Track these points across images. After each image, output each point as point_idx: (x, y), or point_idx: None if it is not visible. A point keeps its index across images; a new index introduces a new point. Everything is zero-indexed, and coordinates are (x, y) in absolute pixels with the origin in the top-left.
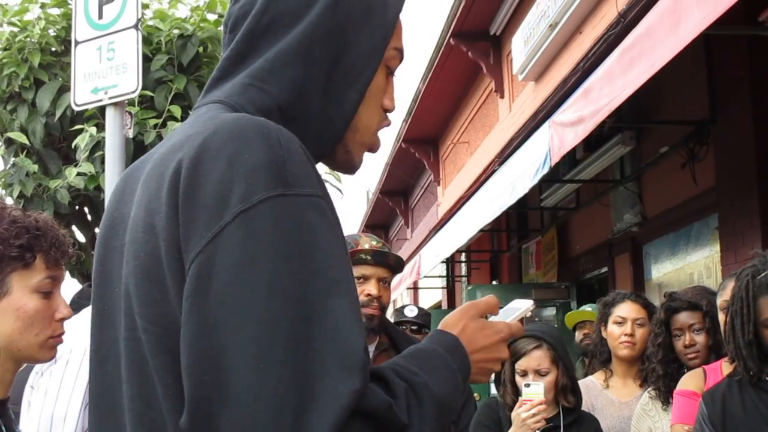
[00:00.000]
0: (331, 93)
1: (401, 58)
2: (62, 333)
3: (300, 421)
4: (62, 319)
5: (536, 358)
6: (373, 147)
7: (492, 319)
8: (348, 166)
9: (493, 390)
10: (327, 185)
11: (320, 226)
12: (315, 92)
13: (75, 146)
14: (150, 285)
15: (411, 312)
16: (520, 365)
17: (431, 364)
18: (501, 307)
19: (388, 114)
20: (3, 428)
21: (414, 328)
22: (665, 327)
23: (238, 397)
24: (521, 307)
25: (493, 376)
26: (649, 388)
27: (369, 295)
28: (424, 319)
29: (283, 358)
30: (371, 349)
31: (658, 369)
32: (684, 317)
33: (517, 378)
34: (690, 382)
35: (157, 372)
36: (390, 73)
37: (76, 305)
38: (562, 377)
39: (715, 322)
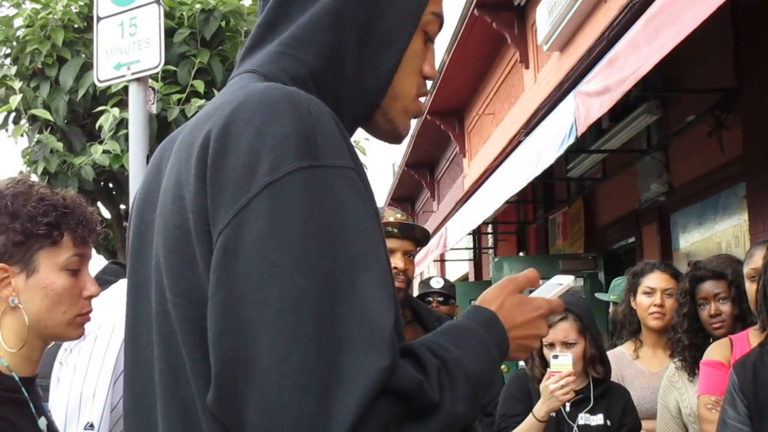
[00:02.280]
0: (365, 59)
1: (440, 24)
2: (90, 311)
3: (326, 399)
4: (90, 297)
5: (563, 329)
6: (417, 113)
7: (532, 294)
8: (393, 135)
9: (521, 362)
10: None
11: (351, 198)
12: (349, 59)
13: (99, 126)
14: (179, 258)
15: (437, 283)
16: (547, 337)
17: (466, 341)
18: (543, 279)
19: (427, 81)
20: (31, 405)
21: (440, 299)
22: (690, 297)
23: (263, 374)
24: (563, 282)
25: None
26: (675, 359)
27: (395, 268)
28: (450, 290)
29: (309, 333)
30: None
31: (684, 339)
32: (709, 286)
33: (545, 350)
34: (717, 352)
35: (185, 346)
36: (428, 39)
37: (100, 281)
38: (590, 348)
39: (740, 291)
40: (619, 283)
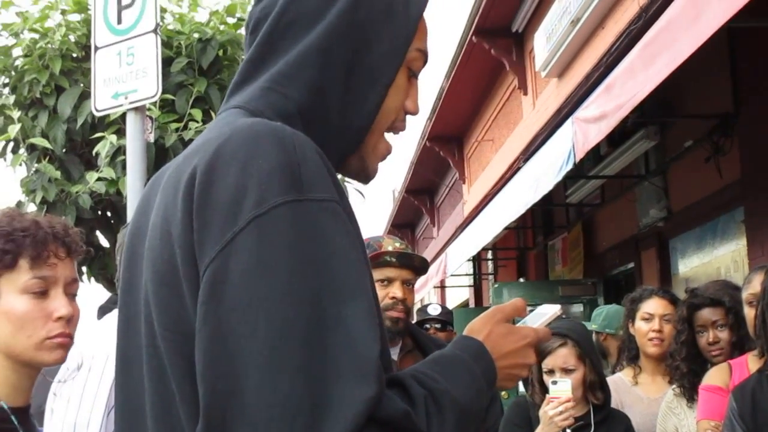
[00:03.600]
0: (351, 94)
1: (425, 60)
2: (65, 333)
3: (314, 429)
4: (61, 318)
5: (562, 356)
6: (385, 153)
7: (519, 323)
8: (363, 174)
9: (521, 388)
10: (350, 187)
11: (335, 230)
12: (335, 94)
13: (96, 153)
14: (167, 291)
15: (434, 310)
16: (547, 364)
17: (454, 371)
18: (531, 308)
19: (408, 117)
20: None
21: (437, 326)
22: (688, 324)
23: (252, 405)
24: (548, 312)
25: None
26: (674, 386)
27: (394, 297)
28: (447, 316)
29: (297, 365)
30: (396, 350)
31: (682, 367)
32: (706, 314)
33: (545, 376)
34: (716, 377)
35: (174, 378)
36: (412, 75)
37: (104, 309)
38: (589, 374)
39: (738, 318)
40: (600, 312)
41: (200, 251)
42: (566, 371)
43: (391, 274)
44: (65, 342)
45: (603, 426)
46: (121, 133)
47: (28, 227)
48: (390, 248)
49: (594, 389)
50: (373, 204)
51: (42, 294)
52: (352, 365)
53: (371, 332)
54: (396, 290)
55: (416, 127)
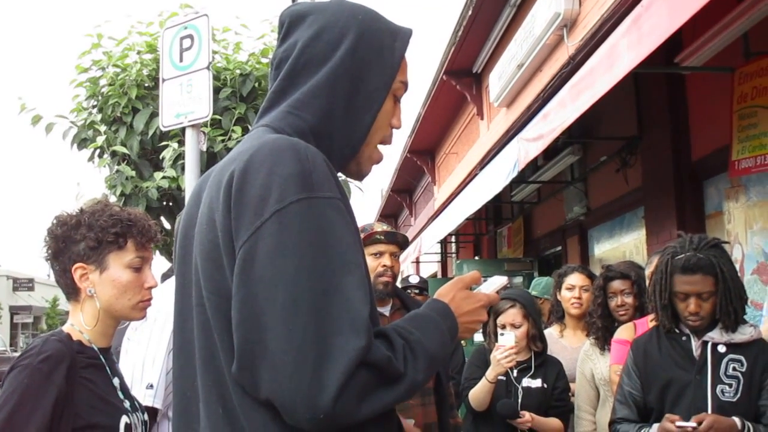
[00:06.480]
0: (351, 116)
1: (406, 89)
2: (150, 298)
3: (318, 370)
4: (150, 288)
5: (512, 314)
6: (379, 160)
7: (475, 290)
8: (358, 175)
9: (476, 338)
10: (351, 184)
11: (337, 221)
12: (339, 116)
13: (162, 157)
14: (211, 264)
15: (414, 279)
16: (500, 321)
17: (426, 326)
18: (485, 278)
19: (394, 131)
20: (107, 369)
21: (417, 291)
22: (603, 291)
23: (272, 351)
24: (497, 282)
25: (480, 328)
26: (590, 338)
27: (384, 266)
28: (424, 284)
29: (306, 321)
30: (387, 308)
31: (598, 323)
32: (617, 284)
33: (499, 330)
34: (624, 333)
35: (216, 330)
36: (397, 100)
37: (167, 277)
38: (532, 329)
39: (641, 288)
40: (538, 282)
41: (236, 235)
42: (514, 326)
43: (381, 248)
44: (149, 304)
45: (541, 368)
46: (181, 143)
47: (133, 218)
48: (379, 229)
49: (535, 340)
50: (367, 200)
51: (138, 268)
52: (348, 322)
53: (363, 297)
54: (386, 260)
55: (400, 142)
